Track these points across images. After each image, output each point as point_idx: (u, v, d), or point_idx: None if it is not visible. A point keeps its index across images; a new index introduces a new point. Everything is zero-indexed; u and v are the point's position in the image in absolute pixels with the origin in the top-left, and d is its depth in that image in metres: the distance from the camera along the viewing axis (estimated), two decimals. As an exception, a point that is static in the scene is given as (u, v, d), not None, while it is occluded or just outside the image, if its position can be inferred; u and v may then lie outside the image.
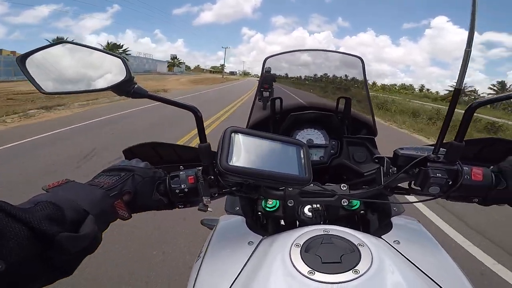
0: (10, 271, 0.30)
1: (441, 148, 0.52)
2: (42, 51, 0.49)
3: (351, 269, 0.41)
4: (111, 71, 0.49)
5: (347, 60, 0.93)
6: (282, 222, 0.77)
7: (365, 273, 0.40)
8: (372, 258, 0.43)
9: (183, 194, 0.53)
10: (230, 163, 0.46)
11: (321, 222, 0.68)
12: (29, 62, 0.48)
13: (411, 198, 0.67)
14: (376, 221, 0.72)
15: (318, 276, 0.40)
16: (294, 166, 0.52)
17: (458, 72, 0.46)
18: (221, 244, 0.60)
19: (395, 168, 0.58)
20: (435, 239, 0.59)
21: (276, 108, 0.93)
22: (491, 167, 0.54)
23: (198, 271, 0.53)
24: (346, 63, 0.97)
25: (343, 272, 0.40)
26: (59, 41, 0.52)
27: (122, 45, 44.44)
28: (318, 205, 0.68)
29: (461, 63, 0.45)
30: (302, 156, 0.53)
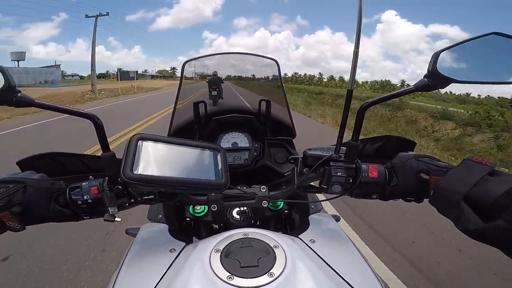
0: None
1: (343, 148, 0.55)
2: None
3: (266, 273, 0.42)
4: None
5: (267, 63, 0.96)
6: (217, 226, 0.77)
7: (279, 276, 0.41)
8: (286, 260, 0.44)
9: (86, 205, 0.51)
10: (135, 172, 0.44)
11: (250, 224, 0.69)
12: None
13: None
14: (299, 219, 0.75)
15: (237, 281, 0.41)
16: (211, 171, 0.51)
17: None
18: (141, 253, 0.58)
19: (308, 168, 0.60)
20: (347, 236, 0.63)
21: (201, 113, 0.91)
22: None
23: (115, 281, 0.51)
24: (266, 66, 1.00)
25: (259, 276, 0.41)
26: None
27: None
28: (245, 208, 0.68)
29: (351, 64, 0.49)
30: (219, 160, 0.53)
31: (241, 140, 0.91)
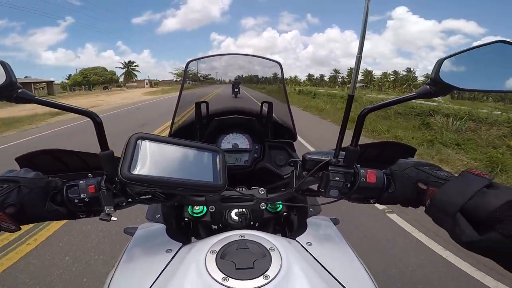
0: None
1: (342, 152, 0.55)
2: None
3: (262, 275, 0.42)
4: None
5: (270, 64, 0.96)
6: (215, 227, 0.77)
7: (274, 278, 0.41)
8: (281, 262, 0.44)
9: (83, 204, 0.50)
10: (133, 172, 0.43)
11: (249, 226, 0.69)
12: None
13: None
14: (297, 222, 0.75)
15: (232, 282, 0.41)
16: (209, 172, 0.51)
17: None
18: (137, 253, 0.58)
19: (307, 172, 0.59)
20: (344, 239, 0.63)
21: (203, 113, 0.91)
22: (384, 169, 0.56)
23: (111, 280, 0.51)
24: (270, 68, 1.00)
25: (255, 278, 0.41)
26: None
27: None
28: (244, 209, 0.69)
29: (353, 69, 0.48)
30: (218, 162, 0.53)
31: (242, 141, 0.91)
